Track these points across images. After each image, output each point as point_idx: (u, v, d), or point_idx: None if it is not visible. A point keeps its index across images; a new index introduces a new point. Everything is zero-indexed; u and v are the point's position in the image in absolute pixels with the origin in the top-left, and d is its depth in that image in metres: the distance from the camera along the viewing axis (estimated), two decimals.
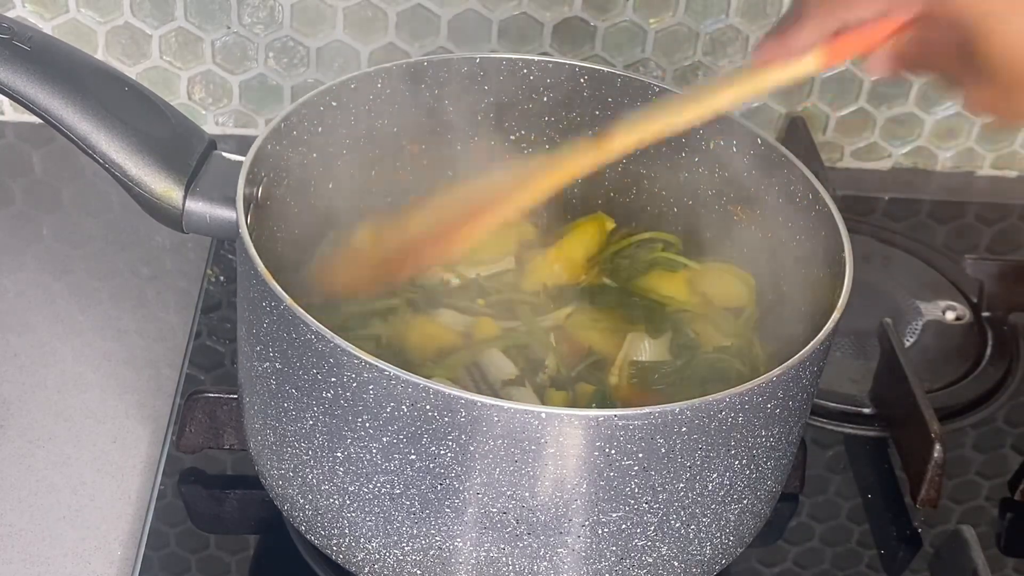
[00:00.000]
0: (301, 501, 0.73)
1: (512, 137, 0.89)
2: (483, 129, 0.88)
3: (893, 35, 0.61)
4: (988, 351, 1.03)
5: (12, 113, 1.16)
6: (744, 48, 1.16)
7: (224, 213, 0.73)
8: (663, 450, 0.65)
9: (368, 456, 0.67)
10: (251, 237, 0.70)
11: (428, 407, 0.64)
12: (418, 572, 0.70)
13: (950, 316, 1.06)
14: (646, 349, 0.80)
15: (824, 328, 0.69)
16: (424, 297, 0.82)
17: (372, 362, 0.64)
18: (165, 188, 0.73)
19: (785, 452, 0.74)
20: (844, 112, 1.20)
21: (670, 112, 0.71)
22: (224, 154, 0.76)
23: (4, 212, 1.08)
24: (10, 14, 1.09)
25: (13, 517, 0.83)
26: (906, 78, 0.85)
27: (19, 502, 0.84)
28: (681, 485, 0.67)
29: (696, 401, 0.64)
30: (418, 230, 0.82)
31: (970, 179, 1.25)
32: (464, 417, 0.63)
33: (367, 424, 0.66)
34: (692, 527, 0.70)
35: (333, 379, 0.66)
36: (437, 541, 0.69)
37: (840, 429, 0.95)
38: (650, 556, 0.70)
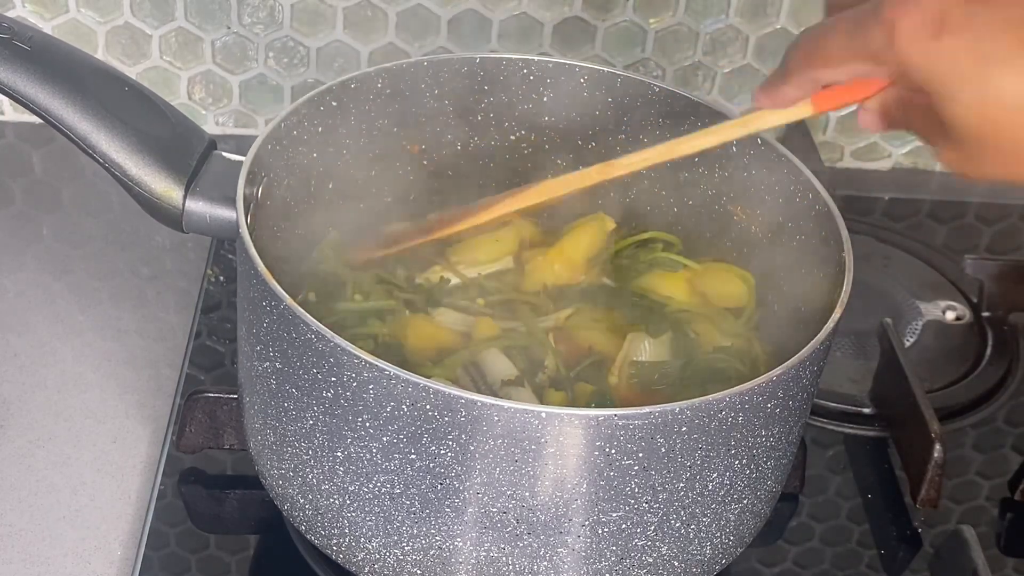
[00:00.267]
0: (301, 501, 0.73)
1: (512, 137, 0.89)
2: (483, 129, 0.88)
3: (874, 94, 0.64)
4: (988, 351, 1.03)
5: (12, 113, 1.16)
6: (744, 48, 1.16)
7: (224, 213, 0.73)
8: (663, 450, 0.65)
9: (368, 456, 0.67)
10: (251, 237, 0.70)
11: (428, 407, 0.64)
12: (418, 572, 0.70)
13: (950, 316, 1.05)
14: (646, 349, 0.80)
15: (824, 328, 0.69)
16: (424, 297, 0.82)
17: (372, 362, 0.64)
18: (165, 188, 0.73)
19: (785, 452, 0.74)
20: (844, 112, 1.20)
21: (679, 144, 0.74)
22: (224, 154, 0.76)
23: (4, 212, 1.08)
24: (10, 14, 1.09)
25: (13, 517, 0.83)
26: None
27: (19, 502, 0.84)
28: (681, 485, 0.67)
29: (696, 401, 0.64)
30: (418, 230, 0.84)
31: None
32: (464, 417, 0.63)
33: (367, 424, 0.66)
34: (692, 527, 0.70)
35: (333, 379, 0.66)
36: (437, 541, 0.69)
37: (840, 429, 0.95)
38: (650, 556, 0.70)
